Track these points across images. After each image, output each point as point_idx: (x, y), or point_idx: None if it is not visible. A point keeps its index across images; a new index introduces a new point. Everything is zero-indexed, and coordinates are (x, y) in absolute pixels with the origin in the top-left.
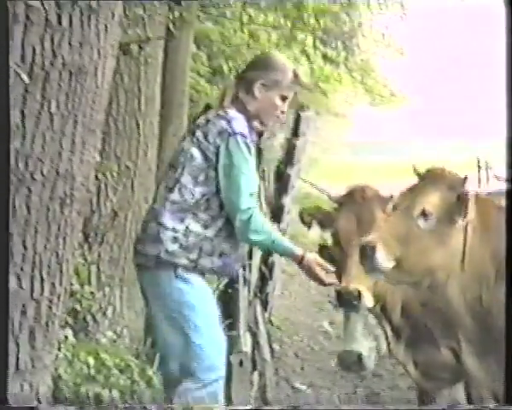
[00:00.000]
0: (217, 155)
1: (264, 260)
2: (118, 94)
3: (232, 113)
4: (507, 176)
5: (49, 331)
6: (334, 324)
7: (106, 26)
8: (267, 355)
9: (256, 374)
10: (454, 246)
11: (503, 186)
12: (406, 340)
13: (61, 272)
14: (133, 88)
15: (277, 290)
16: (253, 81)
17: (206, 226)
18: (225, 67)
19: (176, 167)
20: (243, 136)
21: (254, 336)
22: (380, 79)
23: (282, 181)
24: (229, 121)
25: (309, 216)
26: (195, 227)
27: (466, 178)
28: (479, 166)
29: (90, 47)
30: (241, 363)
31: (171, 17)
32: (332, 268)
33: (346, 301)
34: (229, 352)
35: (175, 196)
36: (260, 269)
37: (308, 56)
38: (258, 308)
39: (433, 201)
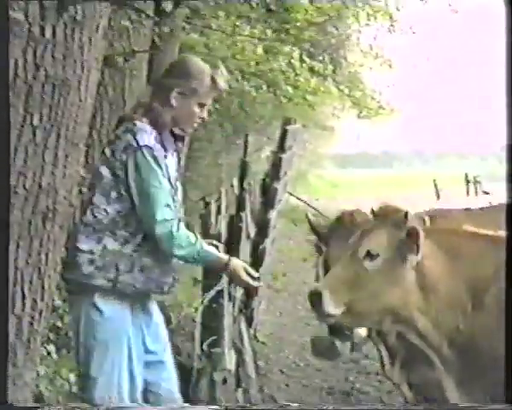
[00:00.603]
0: (125, 171)
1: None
2: (102, 106)
3: (140, 125)
4: (507, 188)
5: (31, 348)
6: None
7: (90, 39)
8: (252, 372)
9: (240, 391)
10: (410, 283)
11: (492, 200)
12: (401, 361)
13: (43, 287)
14: (117, 100)
15: (263, 306)
16: (170, 90)
17: (124, 243)
18: None
19: (88, 188)
20: (149, 148)
21: (239, 352)
22: (368, 91)
23: (268, 195)
24: (134, 134)
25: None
26: (113, 245)
27: (407, 213)
28: (467, 181)
29: (73, 60)
30: (224, 381)
31: (156, 30)
32: (256, 274)
33: (339, 331)
34: (214, 369)
35: (88, 218)
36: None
37: (294, 69)
38: (243, 324)
39: (378, 241)
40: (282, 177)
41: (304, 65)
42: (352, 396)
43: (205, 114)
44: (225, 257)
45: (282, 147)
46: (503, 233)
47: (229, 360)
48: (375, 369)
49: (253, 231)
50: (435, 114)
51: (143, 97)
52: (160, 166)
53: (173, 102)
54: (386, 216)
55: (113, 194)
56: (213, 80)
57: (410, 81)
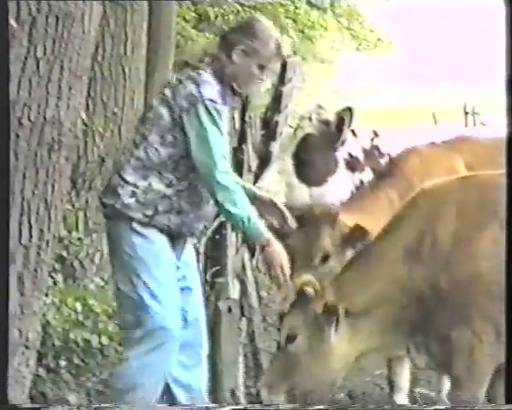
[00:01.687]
0: (187, 119)
1: None
2: (104, 40)
3: (205, 76)
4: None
5: (38, 278)
6: None
7: None
8: (255, 302)
9: (244, 320)
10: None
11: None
12: None
13: (50, 218)
14: (119, 34)
15: None
16: (233, 45)
17: (168, 185)
18: (211, 13)
19: (144, 122)
20: (213, 102)
21: (242, 282)
22: (366, 24)
23: (269, 128)
24: (198, 85)
25: None
26: (157, 185)
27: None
28: (465, 112)
29: None
30: (229, 309)
31: None
32: (288, 271)
33: None
34: (217, 299)
35: (140, 153)
36: None
37: (293, 1)
38: (246, 255)
39: (294, 322)
40: (282, 110)
41: None
42: None
43: (264, 77)
44: (266, 237)
45: (282, 80)
46: (445, 178)
47: (233, 290)
48: None
49: (254, 164)
50: (434, 46)
51: (210, 48)
52: (221, 119)
53: (235, 58)
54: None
55: (169, 137)
56: (278, 46)
57: (409, 14)
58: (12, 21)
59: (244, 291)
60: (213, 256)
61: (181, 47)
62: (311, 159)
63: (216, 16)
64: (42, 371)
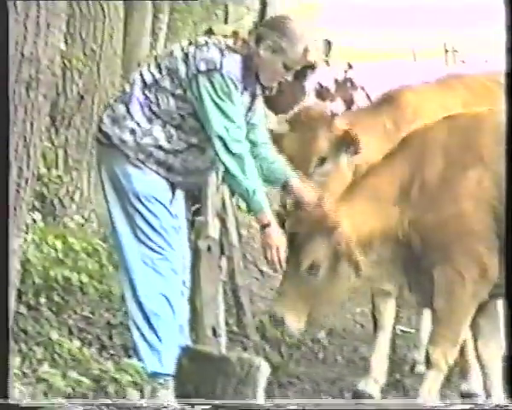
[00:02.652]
0: (199, 79)
1: None
2: None
3: (231, 49)
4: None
5: (17, 216)
6: None
7: None
8: (235, 240)
9: (224, 259)
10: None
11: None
12: None
13: (29, 155)
14: None
15: None
16: (262, 39)
17: (168, 140)
18: None
19: (159, 67)
20: (230, 73)
21: (222, 221)
22: None
23: None
24: (222, 55)
25: None
26: (158, 134)
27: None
28: (445, 50)
29: None
30: (209, 248)
31: None
32: (283, 263)
33: None
34: (197, 237)
35: (151, 95)
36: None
37: None
38: (227, 194)
39: (316, 253)
40: None
41: None
42: None
43: (289, 78)
44: (268, 217)
45: (262, 17)
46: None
47: (213, 229)
48: None
49: None
50: None
51: (241, 32)
52: (236, 91)
53: (262, 51)
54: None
55: (179, 90)
56: (306, 50)
57: None
58: None
59: (224, 230)
60: (193, 195)
61: None
62: (278, 86)
63: None
64: (22, 309)
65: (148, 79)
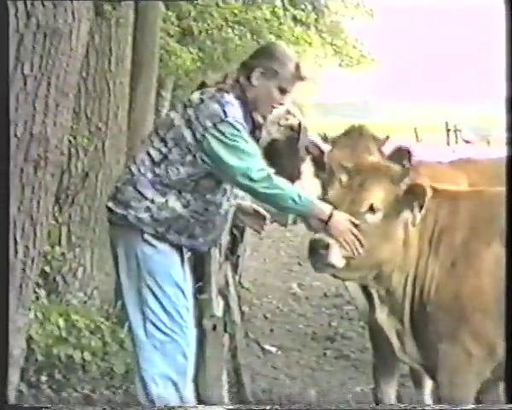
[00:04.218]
0: (208, 136)
1: (235, 222)
2: (88, 54)
3: (228, 97)
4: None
5: (23, 294)
6: (303, 286)
7: None
8: (237, 318)
9: (226, 336)
10: (399, 239)
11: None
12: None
13: (35, 234)
14: (104, 48)
15: (248, 252)
16: (253, 68)
17: (185, 206)
18: (195, 28)
19: (165, 141)
20: (237, 118)
21: (225, 299)
22: (349, 40)
23: None
24: (223, 105)
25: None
26: (174, 204)
27: (408, 170)
28: (447, 130)
29: (64, 9)
30: (214, 327)
31: None
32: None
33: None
34: (201, 315)
35: (160, 170)
36: (231, 231)
37: (278, 17)
38: (229, 271)
39: (380, 196)
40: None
41: (287, 13)
42: (336, 341)
43: (284, 101)
44: (328, 209)
45: None
46: (463, 188)
47: (217, 307)
48: (357, 315)
49: None
50: (416, 64)
51: (231, 72)
52: (245, 132)
53: (254, 81)
54: (383, 172)
55: (189, 157)
56: (297, 67)
57: (392, 31)
58: None
59: (227, 307)
60: (197, 271)
61: (164, 61)
62: (275, 165)
63: (200, 32)
64: (23, 386)
65: (156, 156)
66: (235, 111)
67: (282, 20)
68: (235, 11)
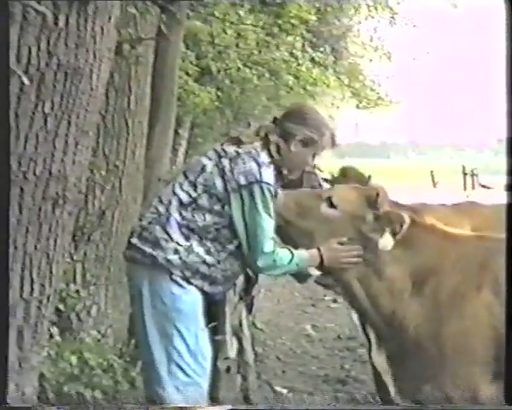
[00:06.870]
0: (238, 194)
1: None
2: (108, 93)
3: (263, 157)
4: (507, 182)
5: (38, 332)
6: (317, 327)
7: (102, 29)
8: (250, 359)
9: (239, 377)
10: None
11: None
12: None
13: (51, 272)
14: (123, 87)
15: (261, 292)
16: (292, 135)
17: (208, 253)
18: (213, 67)
19: (195, 185)
20: (269, 184)
21: (239, 339)
22: (367, 82)
23: None
24: (259, 166)
25: None
26: (198, 249)
27: (378, 194)
28: (464, 173)
29: (85, 49)
30: (228, 369)
31: (163, 17)
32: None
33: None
34: (216, 356)
35: (187, 214)
36: (246, 272)
37: (296, 59)
38: (244, 312)
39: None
40: None
41: (305, 55)
42: (348, 384)
43: (313, 163)
44: (314, 251)
45: None
46: (462, 231)
47: (231, 348)
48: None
49: None
50: (433, 107)
51: (264, 127)
52: (273, 201)
53: (293, 147)
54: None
55: (217, 207)
56: (333, 136)
57: (409, 73)
58: (25, 79)
59: (240, 348)
60: (211, 312)
61: (183, 100)
62: None
63: (218, 71)
64: None
65: (185, 198)
66: (269, 173)
67: (300, 61)
68: (254, 51)
